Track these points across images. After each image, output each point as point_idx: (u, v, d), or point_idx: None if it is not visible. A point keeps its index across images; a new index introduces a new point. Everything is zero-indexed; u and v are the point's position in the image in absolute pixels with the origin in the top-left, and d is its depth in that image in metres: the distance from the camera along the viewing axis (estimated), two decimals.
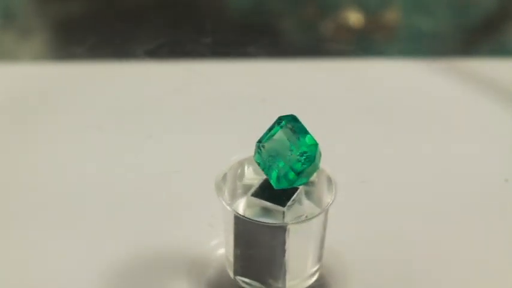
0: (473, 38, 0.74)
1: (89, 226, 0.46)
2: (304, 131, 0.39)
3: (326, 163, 0.40)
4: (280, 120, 0.39)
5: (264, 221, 0.39)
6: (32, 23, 0.72)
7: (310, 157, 0.38)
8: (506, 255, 0.44)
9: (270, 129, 0.39)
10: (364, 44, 0.75)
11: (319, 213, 0.39)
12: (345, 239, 0.44)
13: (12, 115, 0.55)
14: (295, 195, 0.39)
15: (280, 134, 0.39)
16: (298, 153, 0.38)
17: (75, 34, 0.68)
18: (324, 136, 0.41)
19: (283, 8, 0.77)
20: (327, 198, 0.40)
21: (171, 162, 0.50)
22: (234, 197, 0.41)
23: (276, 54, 0.60)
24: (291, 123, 0.39)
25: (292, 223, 0.39)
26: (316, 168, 0.39)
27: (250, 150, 0.40)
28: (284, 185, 0.39)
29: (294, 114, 0.39)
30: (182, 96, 0.57)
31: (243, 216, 0.39)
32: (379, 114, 0.55)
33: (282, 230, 0.38)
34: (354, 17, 0.75)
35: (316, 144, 0.39)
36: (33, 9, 0.75)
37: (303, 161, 0.38)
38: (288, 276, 0.40)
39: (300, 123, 0.39)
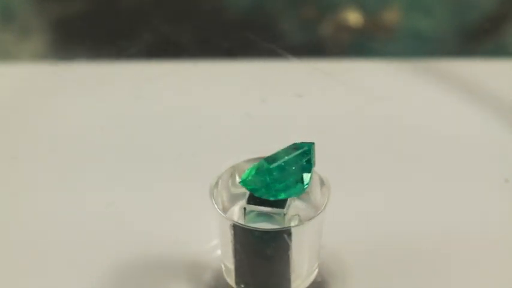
0: (473, 38, 0.74)
1: (87, 227, 0.46)
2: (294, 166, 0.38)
3: (326, 163, 0.40)
4: (305, 146, 0.39)
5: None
6: (32, 23, 0.72)
7: (272, 179, 0.38)
8: (506, 256, 0.44)
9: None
10: (363, 44, 0.75)
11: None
12: (344, 238, 0.44)
13: (12, 115, 0.55)
14: (265, 209, 0.39)
15: (287, 149, 0.39)
16: (271, 166, 0.38)
17: (75, 34, 0.68)
18: (321, 136, 0.41)
19: (283, 8, 0.77)
20: (320, 201, 0.40)
21: (171, 162, 0.50)
22: (229, 202, 0.41)
23: (275, 54, 0.60)
24: (301, 150, 0.39)
25: (237, 223, 0.38)
26: (272, 190, 0.39)
27: (249, 152, 0.40)
28: (243, 182, 0.39)
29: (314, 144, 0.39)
30: (182, 96, 0.57)
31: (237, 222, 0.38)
32: (377, 114, 0.55)
33: (228, 225, 0.38)
34: (353, 17, 0.75)
35: (271, 172, 0.38)
36: (32, 9, 0.75)
37: (267, 172, 0.38)
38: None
39: (301, 158, 0.39)
